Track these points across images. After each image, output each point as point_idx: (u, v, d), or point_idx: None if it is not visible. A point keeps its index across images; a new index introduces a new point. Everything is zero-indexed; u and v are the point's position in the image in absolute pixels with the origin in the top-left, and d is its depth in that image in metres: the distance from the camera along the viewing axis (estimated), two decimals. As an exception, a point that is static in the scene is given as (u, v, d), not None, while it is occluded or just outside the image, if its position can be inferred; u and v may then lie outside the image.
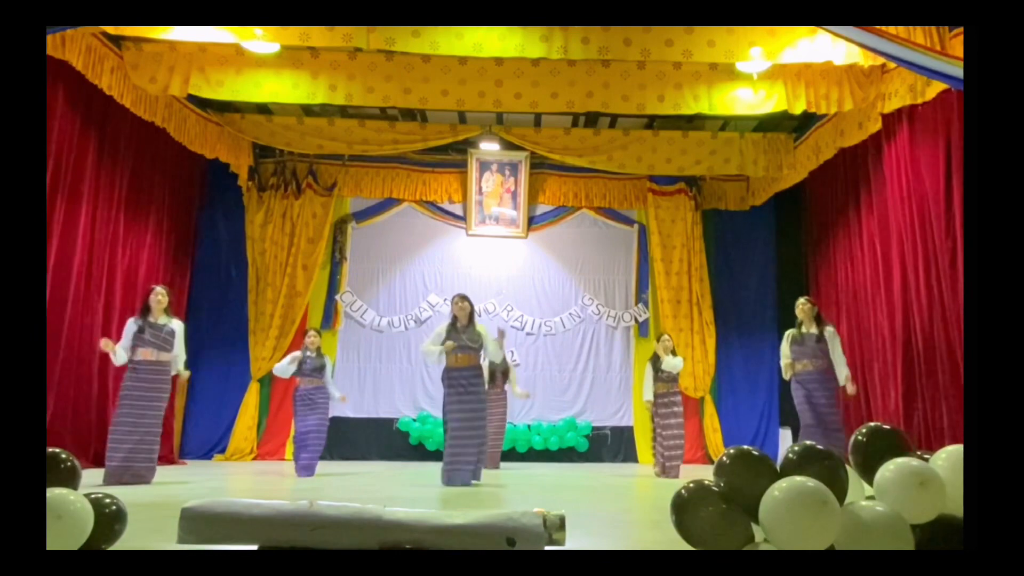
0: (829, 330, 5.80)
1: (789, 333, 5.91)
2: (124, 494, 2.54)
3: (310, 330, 6.99)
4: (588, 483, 6.30)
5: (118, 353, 5.32)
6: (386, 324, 8.94)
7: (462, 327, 5.60)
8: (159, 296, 5.47)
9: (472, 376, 5.58)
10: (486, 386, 5.93)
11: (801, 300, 5.94)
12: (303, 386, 6.44)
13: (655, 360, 6.88)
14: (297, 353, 6.59)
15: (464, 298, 5.71)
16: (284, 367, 6.54)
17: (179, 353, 5.55)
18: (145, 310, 5.50)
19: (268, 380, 8.50)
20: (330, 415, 6.73)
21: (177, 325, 5.57)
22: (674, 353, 6.91)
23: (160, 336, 5.42)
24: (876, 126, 6.46)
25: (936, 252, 5.81)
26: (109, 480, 4.98)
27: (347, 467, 7.47)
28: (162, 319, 5.47)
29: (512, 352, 8.88)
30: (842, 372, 5.71)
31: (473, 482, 5.55)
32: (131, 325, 5.45)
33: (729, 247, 9.25)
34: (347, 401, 7.37)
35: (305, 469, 6.22)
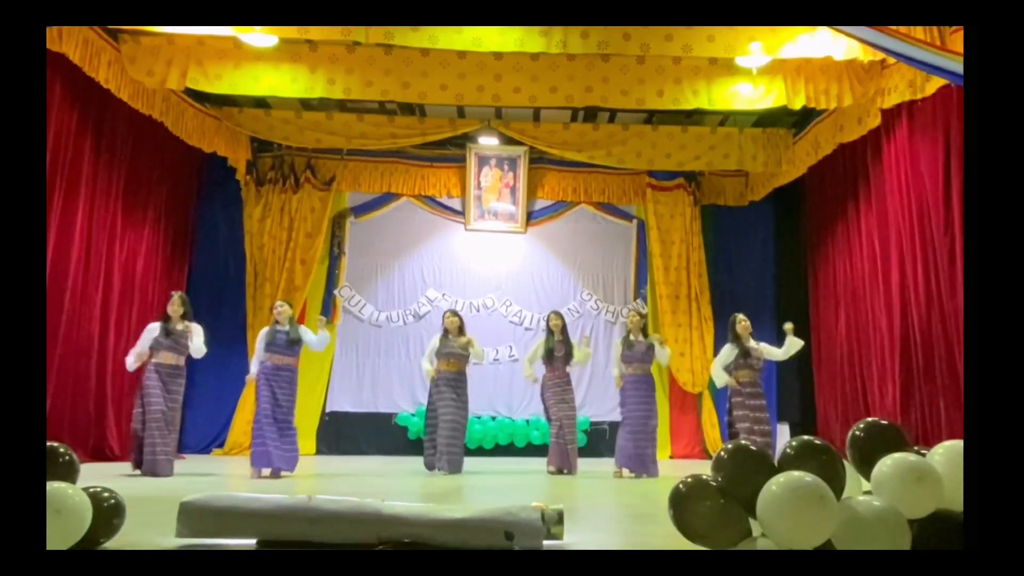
0: (656, 338, 6.64)
1: (620, 341, 6.64)
2: (124, 488, 2.54)
3: (281, 301, 6.10)
4: (586, 477, 6.31)
5: (129, 361, 5.73)
6: (385, 319, 8.93)
7: (452, 337, 6.50)
8: (174, 303, 5.77)
9: (456, 379, 6.45)
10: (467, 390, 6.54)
11: (631, 313, 6.88)
12: (268, 362, 5.70)
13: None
14: (265, 330, 5.90)
15: (455, 313, 6.68)
16: (256, 358, 5.83)
17: (199, 346, 5.78)
18: (165, 317, 5.79)
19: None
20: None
21: (194, 326, 5.80)
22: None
23: (178, 341, 5.71)
24: (875, 122, 6.45)
25: (935, 248, 5.82)
26: (146, 469, 5.47)
27: (345, 462, 7.48)
28: (179, 325, 5.74)
29: (511, 347, 8.89)
30: (664, 355, 6.59)
31: (439, 471, 6.15)
32: (150, 330, 5.76)
33: (728, 242, 9.24)
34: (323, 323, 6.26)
35: (258, 460, 5.54)
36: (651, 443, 6.36)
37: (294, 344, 5.83)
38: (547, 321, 7.00)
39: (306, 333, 6.00)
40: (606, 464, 7.76)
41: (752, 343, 6.27)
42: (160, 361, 5.66)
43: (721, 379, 6.26)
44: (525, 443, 8.55)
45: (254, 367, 5.85)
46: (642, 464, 6.26)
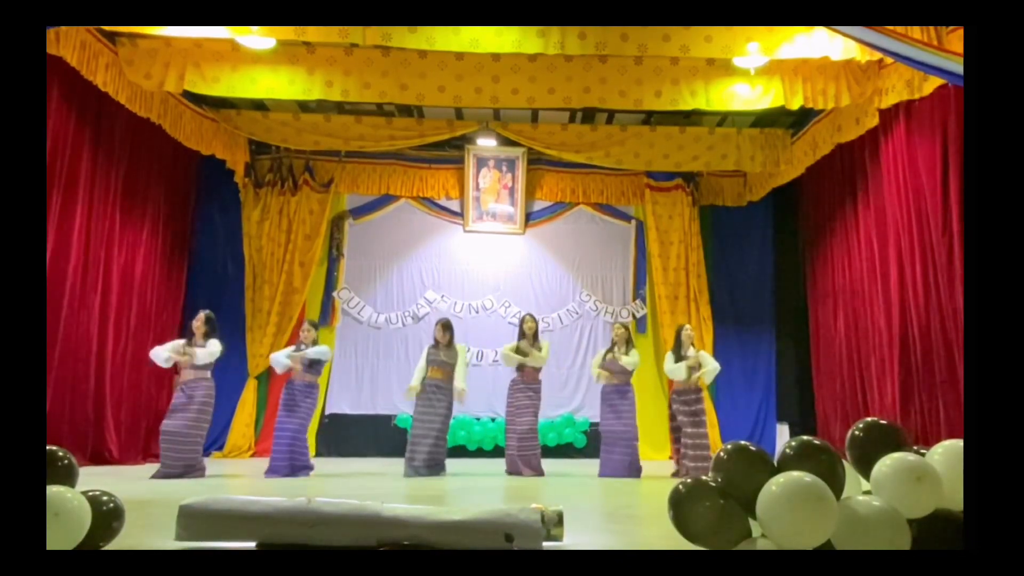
0: (635, 353, 6.81)
1: (601, 351, 6.94)
2: (121, 490, 2.53)
3: (306, 322, 6.75)
4: (586, 479, 6.30)
5: (157, 353, 6.01)
6: (383, 321, 8.93)
7: (442, 347, 6.63)
8: (196, 323, 6.07)
9: (441, 387, 6.53)
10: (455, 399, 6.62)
11: (617, 325, 7.15)
12: (293, 379, 6.33)
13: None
14: (292, 348, 6.54)
15: (445, 328, 6.72)
16: (280, 360, 6.44)
17: (205, 354, 5.96)
18: (190, 333, 6.09)
19: (265, 377, 8.49)
20: (316, 412, 6.56)
21: (212, 344, 6.00)
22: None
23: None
24: (873, 121, 6.46)
25: (933, 247, 5.82)
26: (161, 474, 5.65)
27: (345, 464, 7.47)
28: (201, 342, 5.99)
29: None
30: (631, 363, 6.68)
31: (423, 472, 6.26)
32: (177, 342, 6.09)
33: (726, 243, 9.25)
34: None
35: (272, 471, 6.03)
36: (628, 450, 6.50)
37: (313, 364, 6.35)
38: (521, 323, 7.08)
39: (315, 352, 6.38)
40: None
41: (692, 351, 6.69)
42: (183, 379, 5.95)
43: (679, 372, 6.62)
44: (525, 444, 8.53)
45: (274, 358, 6.53)
46: (615, 468, 6.44)
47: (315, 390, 6.45)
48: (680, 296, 8.91)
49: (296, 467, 6.12)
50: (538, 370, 6.85)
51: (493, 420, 8.64)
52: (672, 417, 6.73)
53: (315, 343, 6.51)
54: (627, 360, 6.67)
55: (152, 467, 6.02)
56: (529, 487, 5.48)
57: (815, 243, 8.47)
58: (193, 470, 5.78)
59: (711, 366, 6.62)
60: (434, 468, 6.34)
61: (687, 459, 6.31)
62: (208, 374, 6.01)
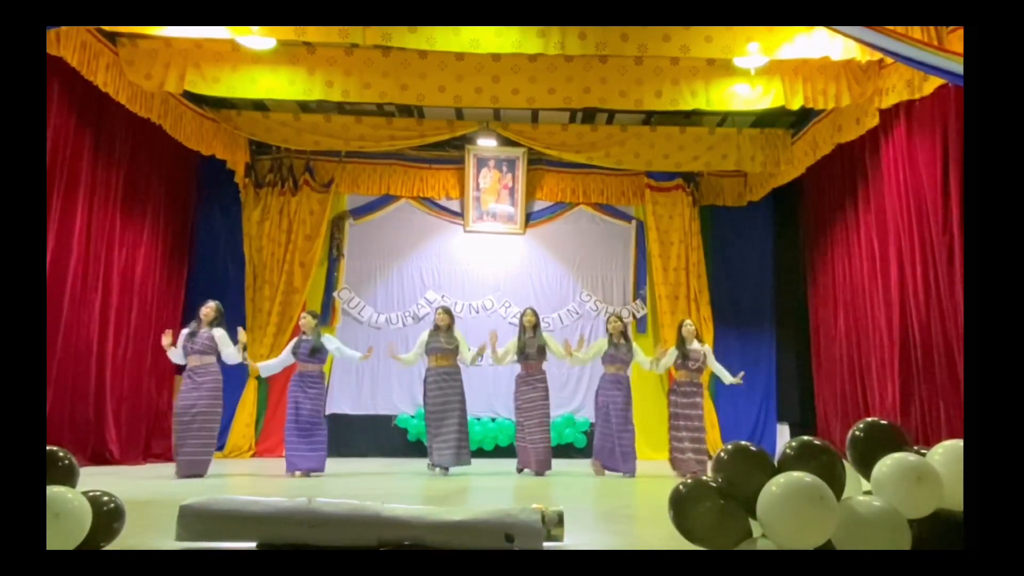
0: (635, 346, 6.88)
1: (602, 340, 6.95)
2: (121, 491, 2.53)
3: (304, 313, 6.71)
4: (586, 479, 6.31)
5: (174, 353, 6.11)
6: (384, 321, 8.93)
7: (443, 332, 6.67)
8: (205, 309, 6.15)
9: (449, 374, 6.59)
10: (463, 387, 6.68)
11: (612, 317, 7.08)
12: (297, 370, 6.37)
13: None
14: (293, 341, 6.56)
15: (447, 311, 6.87)
16: (272, 365, 6.61)
17: (230, 352, 6.07)
18: (197, 321, 6.16)
19: (266, 377, 8.48)
20: (326, 409, 6.63)
21: (216, 332, 6.08)
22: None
23: (202, 343, 6.03)
24: (873, 121, 6.46)
25: (933, 247, 5.82)
26: (180, 473, 5.74)
27: (345, 464, 7.47)
28: (204, 329, 6.09)
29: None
30: (645, 362, 6.86)
31: (446, 469, 6.34)
32: (184, 333, 6.15)
33: (727, 243, 9.25)
34: (371, 354, 6.76)
35: (290, 464, 6.14)
36: (621, 441, 6.51)
37: (316, 352, 6.35)
38: (521, 317, 7.10)
39: (330, 343, 6.54)
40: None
41: (695, 345, 6.77)
42: (188, 364, 6.02)
43: (644, 363, 6.86)
44: (525, 444, 8.52)
45: (265, 367, 6.69)
46: (615, 460, 6.48)
47: (320, 380, 6.46)
48: (680, 296, 8.91)
49: (302, 461, 6.13)
50: (541, 361, 6.84)
51: (493, 420, 8.64)
52: (672, 404, 6.75)
53: (315, 331, 6.41)
54: (638, 349, 6.81)
55: (153, 467, 6.02)
56: (530, 487, 5.48)
57: (815, 243, 8.46)
58: (204, 465, 5.86)
59: (719, 370, 6.86)
60: (462, 457, 6.41)
61: (689, 452, 6.39)
62: (214, 360, 6.08)
